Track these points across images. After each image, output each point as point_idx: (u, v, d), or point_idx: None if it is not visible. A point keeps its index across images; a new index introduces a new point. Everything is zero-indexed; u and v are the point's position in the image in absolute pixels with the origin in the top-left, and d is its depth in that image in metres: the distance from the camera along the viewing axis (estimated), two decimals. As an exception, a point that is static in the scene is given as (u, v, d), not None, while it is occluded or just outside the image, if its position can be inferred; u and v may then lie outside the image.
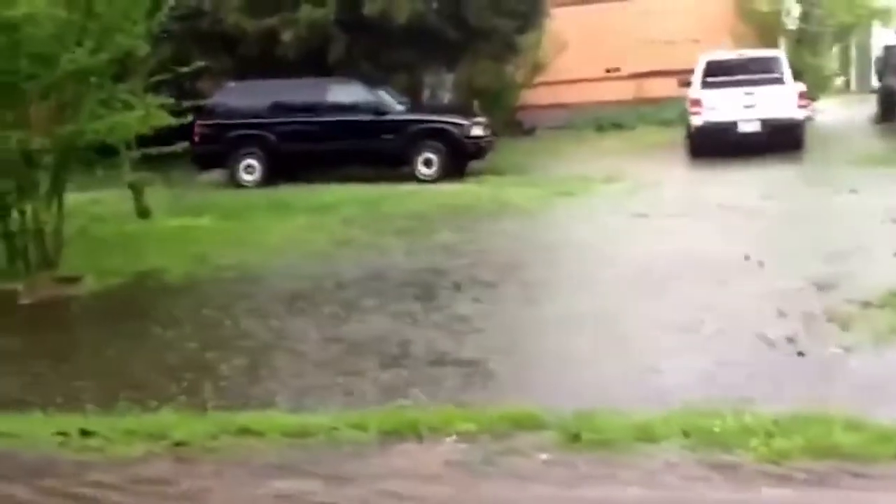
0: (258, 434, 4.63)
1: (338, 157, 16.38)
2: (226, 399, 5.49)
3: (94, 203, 12.64)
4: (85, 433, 4.81)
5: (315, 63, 17.29)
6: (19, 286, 9.00)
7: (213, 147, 16.35)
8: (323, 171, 16.24)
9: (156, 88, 11.21)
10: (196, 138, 16.07)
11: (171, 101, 10.68)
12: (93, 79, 9.30)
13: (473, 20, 18.56)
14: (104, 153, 11.08)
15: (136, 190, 12.70)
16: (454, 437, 4.48)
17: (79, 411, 5.31)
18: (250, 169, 16.60)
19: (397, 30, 17.42)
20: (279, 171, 16.38)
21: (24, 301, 8.77)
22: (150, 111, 9.85)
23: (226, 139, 16.44)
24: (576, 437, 4.35)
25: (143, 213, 12.58)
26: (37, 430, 4.91)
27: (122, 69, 9.94)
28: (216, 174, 17.24)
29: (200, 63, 11.66)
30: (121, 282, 9.22)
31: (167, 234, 11.63)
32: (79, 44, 8.88)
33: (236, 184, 16.47)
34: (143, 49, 10.14)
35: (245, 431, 4.66)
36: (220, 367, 6.20)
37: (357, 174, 16.13)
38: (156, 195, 13.42)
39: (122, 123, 9.44)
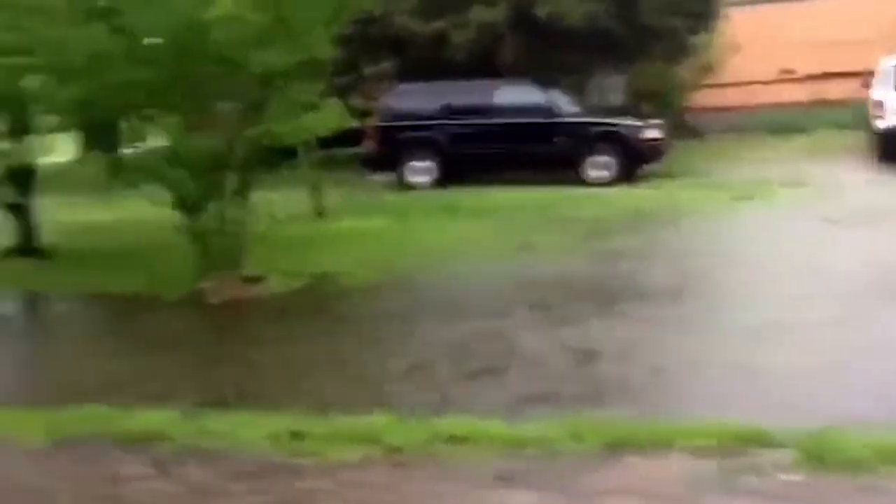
0: (473, 442, 4.50)
1: (508, 159, 16.21)
2: (427, 404, 5.38)
3: (268, 204, 12.85)
4: (295, 435, 4.78)
5: (483, 65, 17.22)
6: (207, 285, 9.19)
7: (382, 149, 16.48)
8: (492, 173, 16.17)
9: (331, 91, 11.29)
10: (366, 140, 16.31)
11: (353, 103, 10.75)
12: (281, 81, 9.40)
13: (646, 20, 18.15)
14: (282, 155, 11.21)
15: (314, 191, 12.84)
16: (682, 451, 4.25)
17: (280, 412, 5.27)
18: (420, 171, 16.64)
19: (568, 31, 17.17)
20: (449, 173, 16.36)
21: (212, 300, 8.93)
22: (333, 113, 9.89)
23: (395, 141, 16.53)
24: (818, 457, 4.07)
25: (320, 214, 12.72)
26: (246, 430, 4.90)
27: (302, 72, 10.00)
28: (385, 176, 17.33)
29: (385, 63, 11.62)
30: (303, 283, 9.29)
31: (343, 235, 11.71)
32: (266, 46, 8.99)
33: (405, 186, 16.54)
34: (327, 52, 10.19)
35: (460, 439, 4.53)
36: (419, 370, 6.12)
37: (526, 177, 15.98)
38: (328, 197, 13.56)
39: (307, 125, 9.50)
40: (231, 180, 9.54)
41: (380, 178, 17.33)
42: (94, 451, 4.78)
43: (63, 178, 16.80)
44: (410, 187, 16.48)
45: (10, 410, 5.46)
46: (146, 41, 8.94)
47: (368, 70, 11.63)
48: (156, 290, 9.37)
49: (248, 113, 9.43)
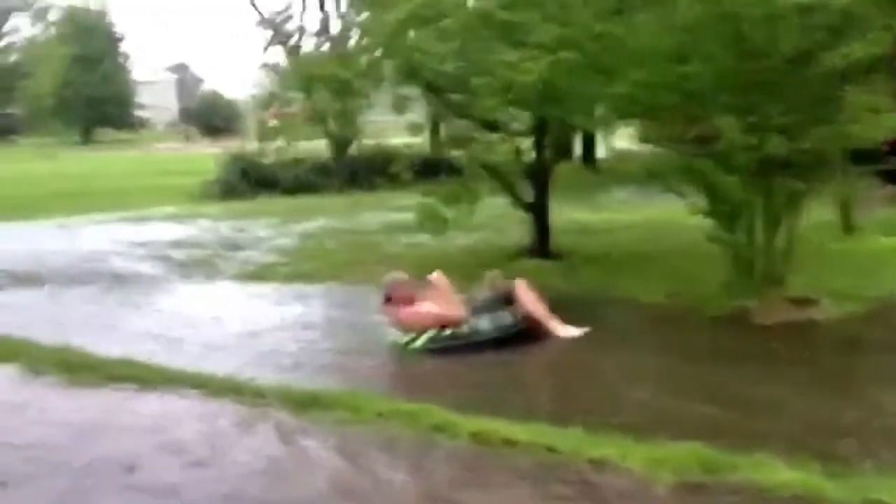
0: None
1: None
2: None
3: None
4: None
5: None
6: (751, 304, 8.38)
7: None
8: None
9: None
10: (886, 148, 14.66)
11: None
12: (850, 77, 8.37)
13: None
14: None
15: (842, 204, 11.60)
16: None
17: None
18: (945, 185, 14.79)
19: None
20: None
21: (761, 321, 8.10)
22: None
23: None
24: None
25: (850, 229, 11.47)
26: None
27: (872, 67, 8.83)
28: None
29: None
30: (863, 308, 8.19)
31: (886, 254, 10.41)
32: (842, 37, 8.01)
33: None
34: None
35: None
36: None
37: None
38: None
39: (885, 126, 8.40)
40: (782, 188, 8.67)
41: (891, 190, 15.67)
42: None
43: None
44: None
45: (608, 436, 4.94)
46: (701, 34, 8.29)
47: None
48: (689, 302, 8.73)
49: (809, 112, 8.49)
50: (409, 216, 16.78)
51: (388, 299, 7.93)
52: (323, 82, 10.13)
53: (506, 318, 7.85)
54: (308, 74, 10.18)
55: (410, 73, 10.21)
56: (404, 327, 7.81)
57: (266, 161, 23.28)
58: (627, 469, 4.42)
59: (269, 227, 16.29)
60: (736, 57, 8.28)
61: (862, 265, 9.73)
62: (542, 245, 11.60)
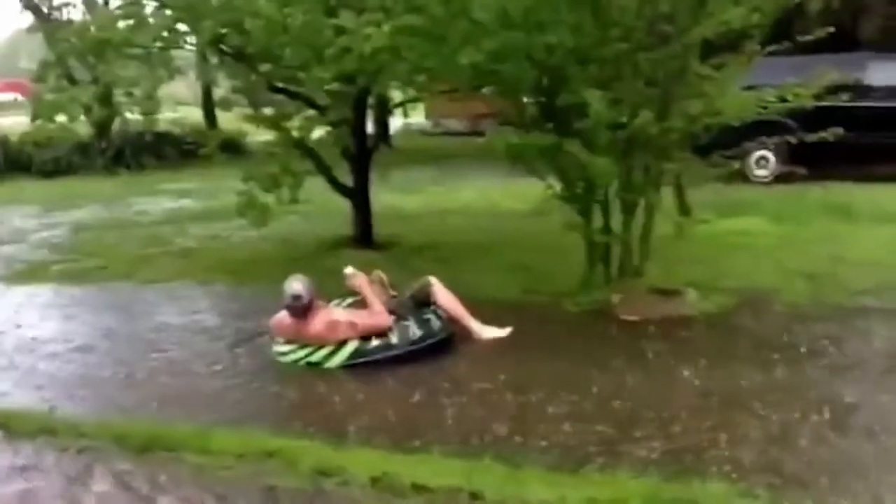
0: None
1: (875, 150, 14.31)
2: None
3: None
4: None
5: (843, 38, 15.35)
6: (613, 297, 8.00)
7: (720, 135, 14.92)
8: (850, 167, 14.32)
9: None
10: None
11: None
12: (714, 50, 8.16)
13: None
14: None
15: (677, 186, 11.47)
16: None
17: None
18: (763, 162, 15.11)
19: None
20: (796, 164, 14.72)
21: (628, 317, 7.69)
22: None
23: (737, 126, 14.95)
24: None
25: (686, 210, 11.36)
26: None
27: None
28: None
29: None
30: (731, 301, 7.92)
31: (726, 238, 10.34)
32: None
33: (745, 178, 15.03)
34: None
35: None
36: None
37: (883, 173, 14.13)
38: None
39: (748, 102, 8.22)
40: (641, 169, 8.32)
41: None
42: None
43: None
44: (750, 180, 15.03)
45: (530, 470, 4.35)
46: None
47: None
48: (547, 298, 8.25)
49: (673, 88, 8.20)
50: (193, 202, 15.78)
51: (304, 310, 6.74)
52: (115, 49, 8.94)
53: (434, 321, 7.05)
54: (97, 40, 8.94)
55: (217, 40, 9.23)
56: (315, 341, 6.73)
57: (15, 140, 21.44)
58: (576, 517, 3.82)
59: (29, 216, 14.84)
60: (596, 26, 7.86)
61: (709, 251, 9.61)
62: (364, 234, 10.90)
